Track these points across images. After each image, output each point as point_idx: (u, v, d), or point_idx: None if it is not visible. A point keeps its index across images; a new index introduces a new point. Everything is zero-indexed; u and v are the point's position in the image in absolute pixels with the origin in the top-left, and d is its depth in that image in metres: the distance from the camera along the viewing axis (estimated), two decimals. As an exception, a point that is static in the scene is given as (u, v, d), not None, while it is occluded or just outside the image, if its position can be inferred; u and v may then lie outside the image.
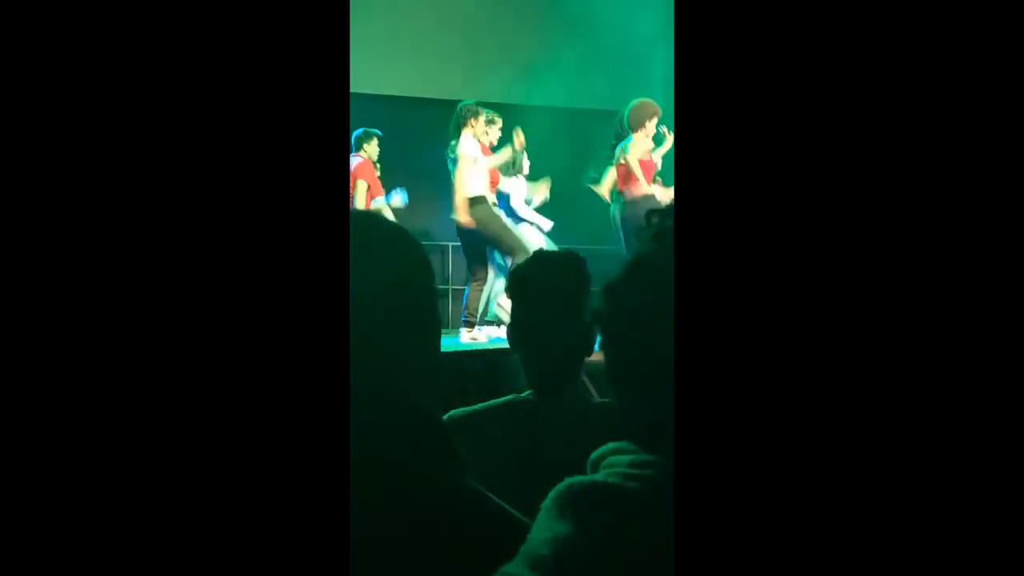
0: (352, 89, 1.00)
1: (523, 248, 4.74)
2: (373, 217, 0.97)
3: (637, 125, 4.94)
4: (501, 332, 4.68)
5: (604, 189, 5.13)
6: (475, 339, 4.81)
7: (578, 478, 0.72)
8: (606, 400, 1.56)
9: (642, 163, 4.89)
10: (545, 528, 0.69)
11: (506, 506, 0.88)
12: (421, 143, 5.01)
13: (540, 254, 1.60)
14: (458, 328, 5.17)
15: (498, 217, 4.89)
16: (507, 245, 4.81)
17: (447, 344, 4.70)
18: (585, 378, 1.62)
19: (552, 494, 0.72)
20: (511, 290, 1.56)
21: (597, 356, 1.34)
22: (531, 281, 1.52)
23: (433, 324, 0.94)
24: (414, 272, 0.91)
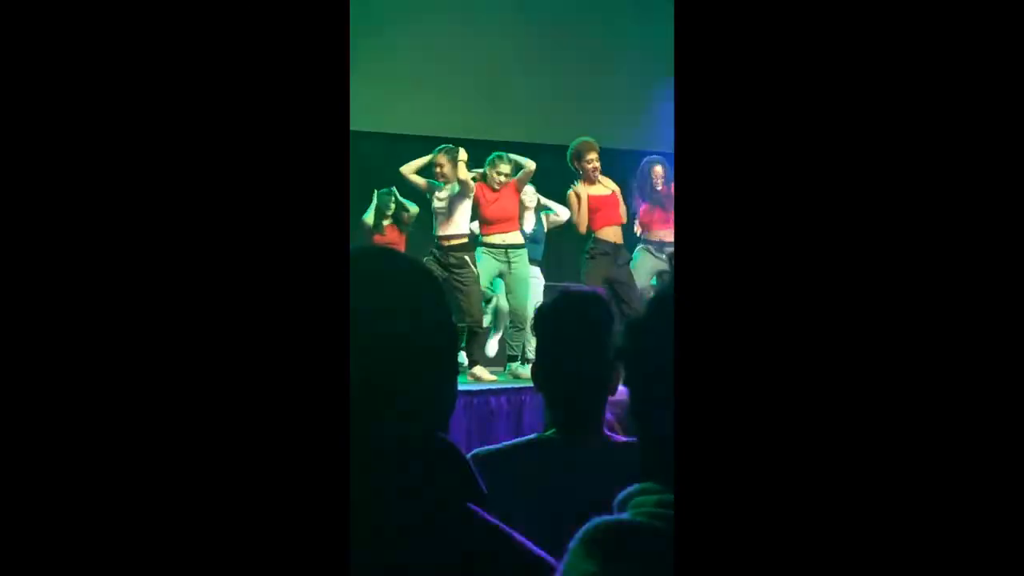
0: (352, 127, 1.02)
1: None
2: (391, 253, 0.99)
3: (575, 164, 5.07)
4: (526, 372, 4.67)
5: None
6: (479, 378, 4.81)
7: (605, 517, 0.72)
8: (631, 439, 1.55)
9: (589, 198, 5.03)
10: (574, 567, 0.69)
11: (532, 545, 0.88)
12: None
13: (564, 293, 1.61)
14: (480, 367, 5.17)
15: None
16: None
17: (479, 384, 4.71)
18: (610, 417, 1.62)
19: (580, 533, 0.72)
20: (536, 329, 1.57)
21: (622, 395, 1.34)
22: (555, 320, 1.52)
23: (451, 359, 0.95)
24: (430, 307, 0.92)
